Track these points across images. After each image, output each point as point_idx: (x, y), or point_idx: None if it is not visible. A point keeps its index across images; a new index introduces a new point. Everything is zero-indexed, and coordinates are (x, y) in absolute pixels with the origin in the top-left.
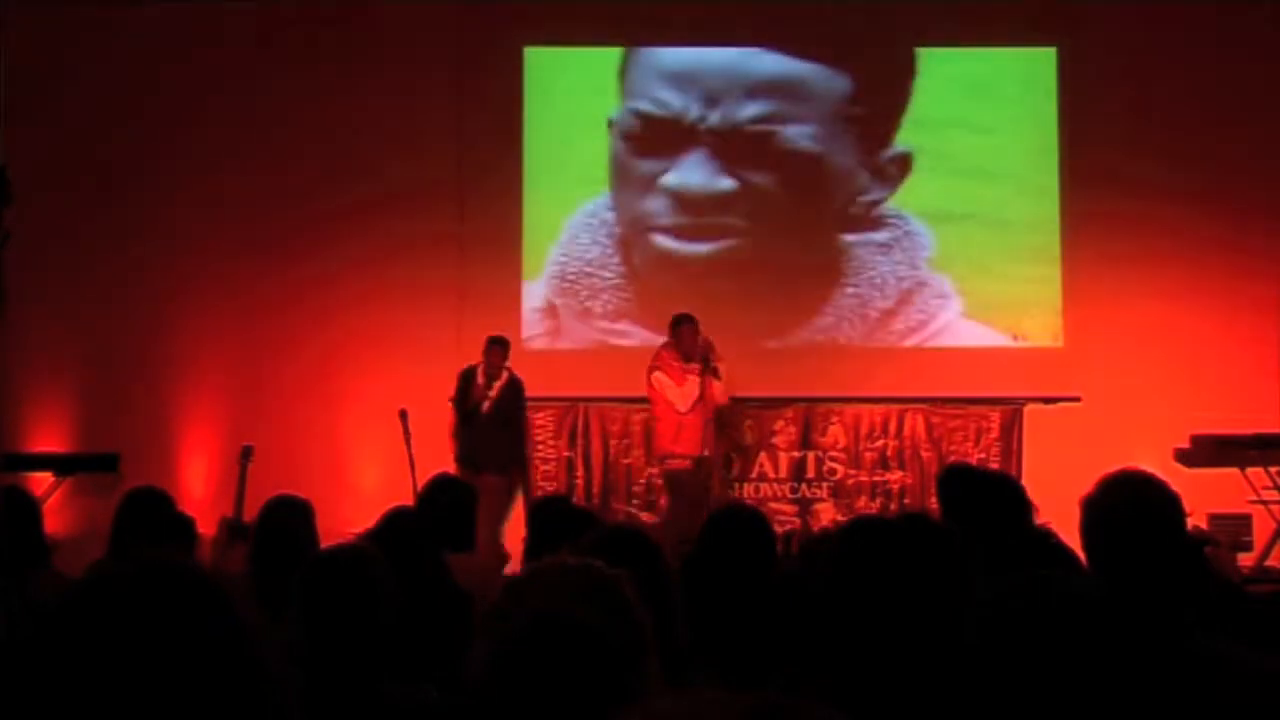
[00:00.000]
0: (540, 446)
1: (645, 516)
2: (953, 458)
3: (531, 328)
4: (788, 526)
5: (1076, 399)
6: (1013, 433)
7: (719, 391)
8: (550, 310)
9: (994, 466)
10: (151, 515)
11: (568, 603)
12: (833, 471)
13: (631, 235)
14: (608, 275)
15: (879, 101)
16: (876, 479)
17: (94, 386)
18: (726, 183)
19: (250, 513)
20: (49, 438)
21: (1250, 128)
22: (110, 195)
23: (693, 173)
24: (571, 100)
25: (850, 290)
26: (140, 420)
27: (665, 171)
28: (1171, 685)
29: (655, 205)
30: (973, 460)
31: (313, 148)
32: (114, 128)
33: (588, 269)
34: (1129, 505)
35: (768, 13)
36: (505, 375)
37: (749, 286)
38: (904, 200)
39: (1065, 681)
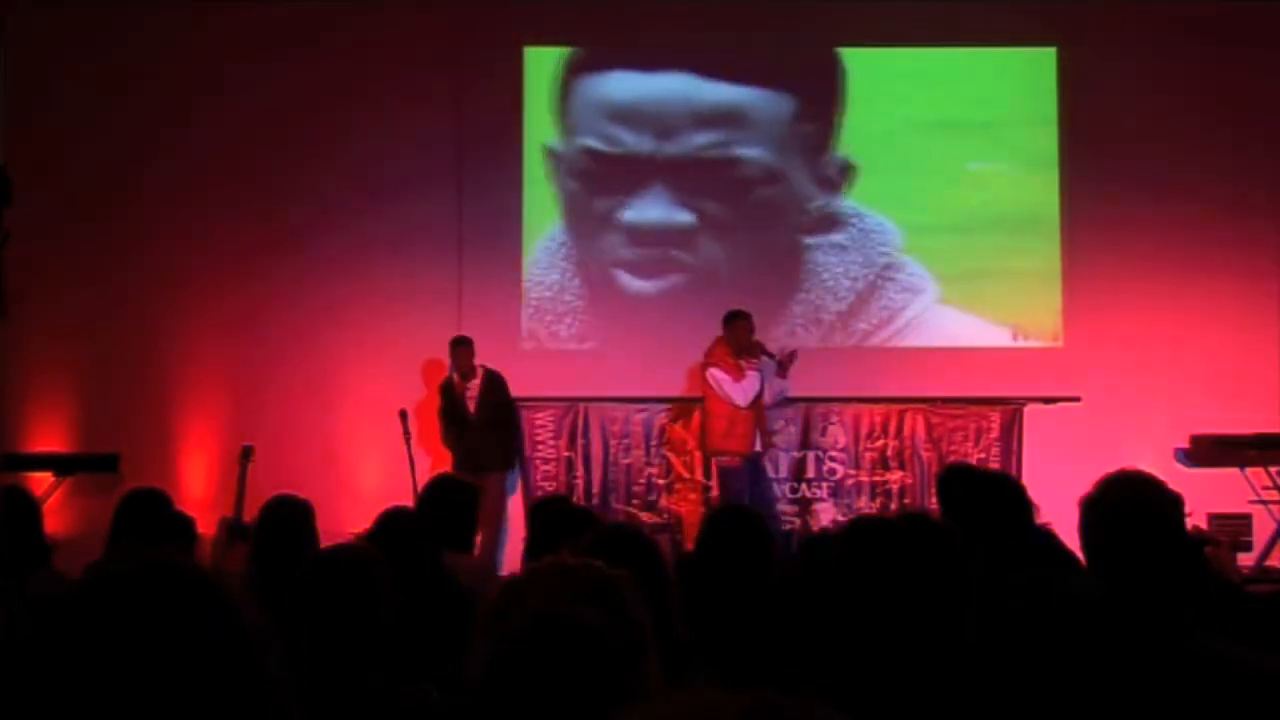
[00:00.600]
0: (540, 446)
1: (645, 516)
2: (953, 458)
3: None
4: (788, 526)
5: (1076, 399)
6: (1013, 433)
7: (772, 390)
8: (531, 335)
9: (994, 466)
10: (151, 515)
11: (568, 603)
12: (833, 471)
13: (592, 266)
14: (569, 299)
15: (825, 114)
16: (876, 479)
17: (94, 386)
18: (685, 216)
19: (250, 513)
20: (49, 438)
21: (1250, 127)
22: (110, 195)
23: (651, 208)
24: (572, 99)
25: (814, 293)
26: (140, 420)
27: (621, 207)
28: (1171, 685)
29: (613, 241)
30: (973, 460)
31: (312, 148)
32: (114, 128)
33: (548, 294)
34: (1128, 505)
35: (762, 11)
36: (480, 372)
37: (716, 311)
38: (900, 202)
39: (1065, 681)
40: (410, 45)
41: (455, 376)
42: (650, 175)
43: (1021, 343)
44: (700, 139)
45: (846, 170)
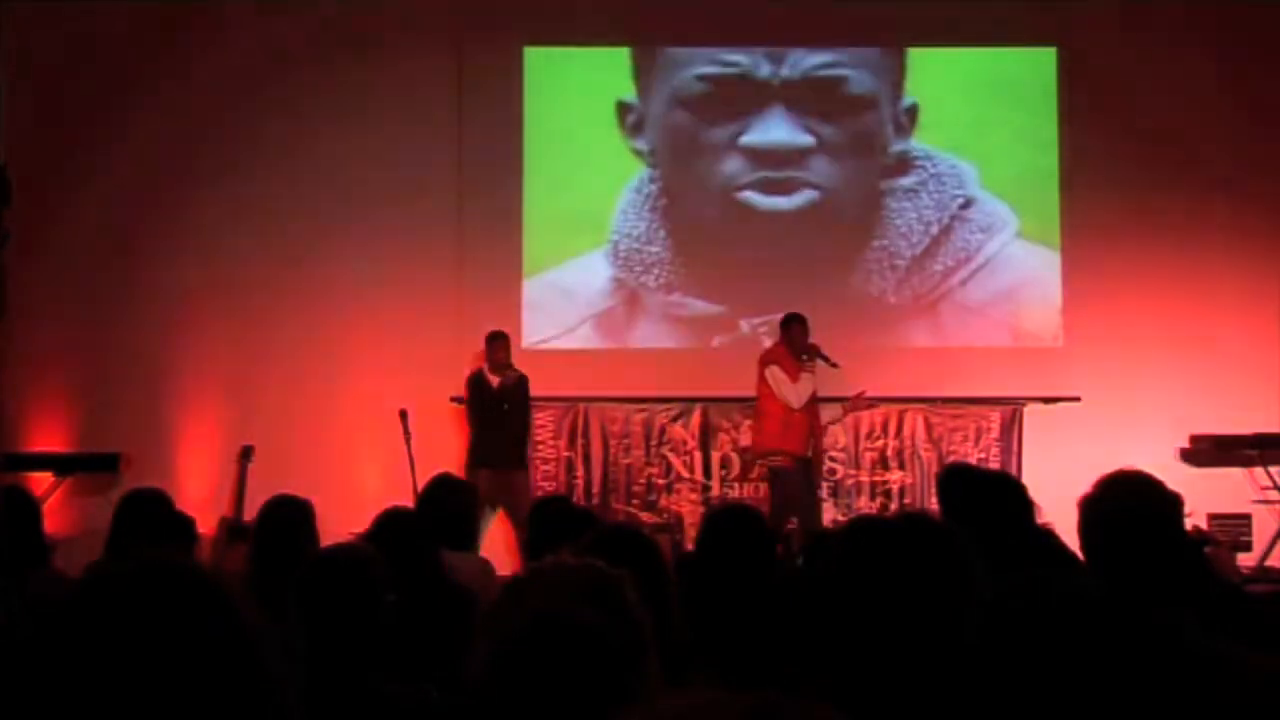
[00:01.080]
0: (540, 446)
1: (645, 516)
2: (952, 458)
3: (604, 301)
4: (788, 526)
5: (1076, 399)
6: (1013, 433)
7: (827, 414)
8: (620, 286)
9: (994, 466)
10: (151, 515)
11: (568, 603)
12: (832, 472)
13: (696, 204)
14: (655, 250)
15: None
16: (876, 479)
17: (94, 386)
18: (806, 138)
19: (250, 513)
20: (49, 438)
21: (1250, 127)
22: (110, 195)
23: (773, 130)
24: (572, 98)
25: (889, 239)
26: (140, 420)
27: (739, 133)
28: (1171, 685)
29: (732, 168)
30: (972, 460)
31: (312, 148)
32: (114, 128)
33: (636, 245)
34: (1128, 505)
35: (767, 12)
36: (513, 370)
37: (826, 240)
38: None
39: (1065, 682)
40: (410, 45)
41: (487, 371)
42: (765, 97)
43: (1021, 343)
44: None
45: (914, 112)
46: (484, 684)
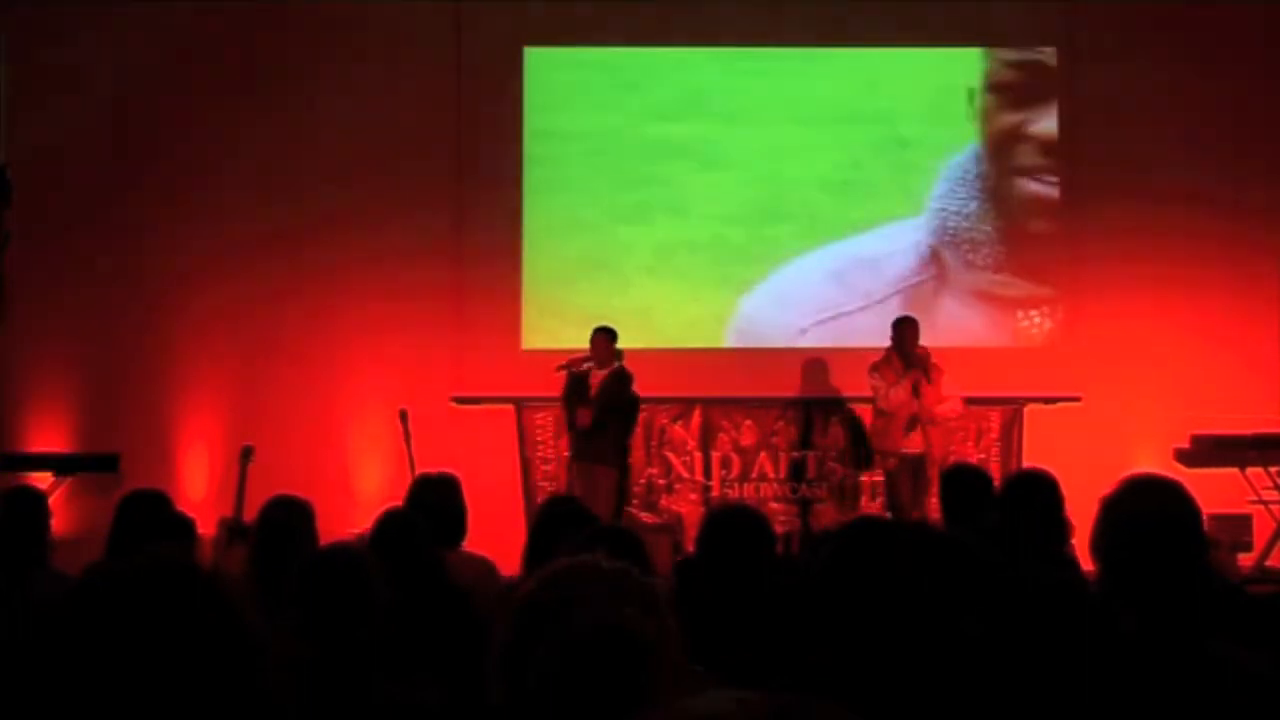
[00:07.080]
0: (540, 446)
1: (645, 516)
2: (953, 458)
3: (918, 274)
4: (788, 526)
5: (1076, 399)
6: (1013, 433)
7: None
8: (935, 257)
9: (994, 466)
10: (151, 515)
11: (624, 609)
12: (833, 471)
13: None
14: (986, 229)
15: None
16: (877, 479)
17: (94, 386)
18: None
19: (250, 513)
20: (49, 438)
21: (1250, 128)
22: (110, 195)
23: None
24: (572, 99)
25: None
26: (140, 420)
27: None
28: (1173, 686)
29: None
30: (973, 460)
31: (312, 148)
32: (114, 128)
33: (965, 223)
34: (1153, 515)
35: (767, 13)
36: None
37: None
38: (904, 195)
39: (1068, 681)
40: (411, 46)
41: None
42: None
43: (1022, 343)
44: None
45: None
46: (530, 688)
